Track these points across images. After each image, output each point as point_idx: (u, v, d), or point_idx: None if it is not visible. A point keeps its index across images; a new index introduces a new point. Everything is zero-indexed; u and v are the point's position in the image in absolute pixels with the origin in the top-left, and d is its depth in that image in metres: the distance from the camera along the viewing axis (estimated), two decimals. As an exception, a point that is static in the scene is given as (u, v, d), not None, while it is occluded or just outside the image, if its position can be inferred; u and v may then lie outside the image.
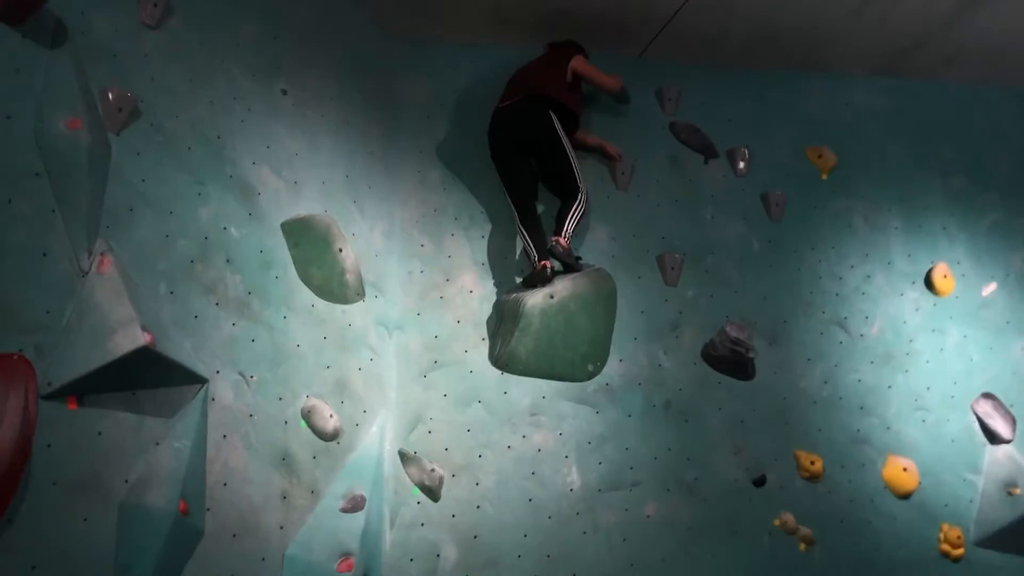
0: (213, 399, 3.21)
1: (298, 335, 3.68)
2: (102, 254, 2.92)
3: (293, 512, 3.41)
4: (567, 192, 4.56)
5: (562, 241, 4.37)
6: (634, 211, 4.85)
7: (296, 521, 3.42)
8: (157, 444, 2.96)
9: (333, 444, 3.67)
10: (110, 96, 3.12)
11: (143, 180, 3.21)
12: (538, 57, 4.84)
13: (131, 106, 3.19)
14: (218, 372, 3.27)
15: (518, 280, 4.55)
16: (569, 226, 4.44)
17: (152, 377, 2.99)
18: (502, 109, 4.60)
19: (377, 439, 3.88)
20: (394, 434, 4.03)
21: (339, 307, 3.93)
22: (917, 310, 5.04)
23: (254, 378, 3.41)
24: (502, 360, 4.33)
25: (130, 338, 2.82)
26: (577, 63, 4.74)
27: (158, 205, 3.24)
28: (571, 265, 4.46)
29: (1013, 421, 4.87)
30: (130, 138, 3.20)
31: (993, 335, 5.09)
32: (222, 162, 3.61)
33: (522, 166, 4.59)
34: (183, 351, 3.12)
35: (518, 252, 4.62)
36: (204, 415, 3.14)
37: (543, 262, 4.34)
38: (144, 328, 2.87)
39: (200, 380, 3.16)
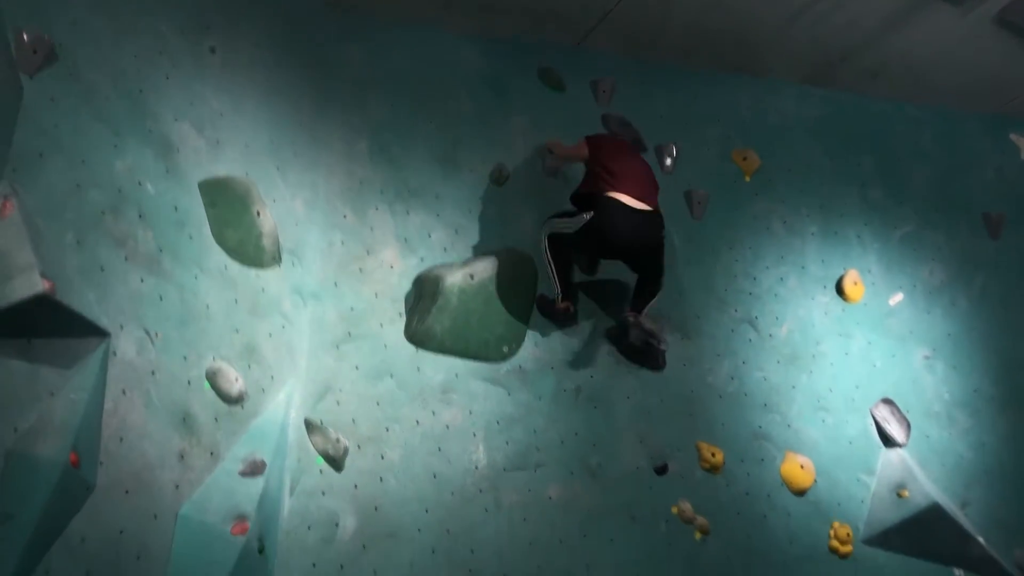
0: (115, 353, 3.15)
1: (208, 296, 3.64)
2: (5, 197, 2.84)
3: (190, 472, 3.37)
4: (655, 283, 4.65)
5: (643, 320, 4.55)
6: (561, 199, 4.89)
7: (192, 481, 3.38)
8: (52, 395, 2.90)
9: (237, 408, 3.64)
10: (25, 37, 3.04)
11: (56, 126, 3.14)
12: (631, 150, 4.84)
13: (47, 50, 3.11)
14: (122, 327, 3.22)
15: (443, 263, 4.55)
16: (647, 309, 4.60)
17: (51, 326, 2.93)
18: (637, 213, 4.47)
19: (283, 406, 3.85)
20: (301, 402, 4.00)
21: (253, 271, 3.89)
22: (826, 314, 5.21)
23: (159, 336, 3.36)
24: (417, 336, 4.35)
25: (28, 284, 2.76)
26: None
27: (71, 153, 3.17)
28: (655, 344, 4.65)
29: (908, 427, 5.07)
30: (45, 82, 3.12)
31: (896, 343, 5.30)
32: (142, 116, 3.55)
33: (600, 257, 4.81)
34: (86, 303, 3.07)
35: (443, 232, 4.63)
36: (104, 369, 3.09)
37: (567, 303, 4.57)
38: (44, 275, 2.82)
39: (102, 333, 3.11)
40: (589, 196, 4.54)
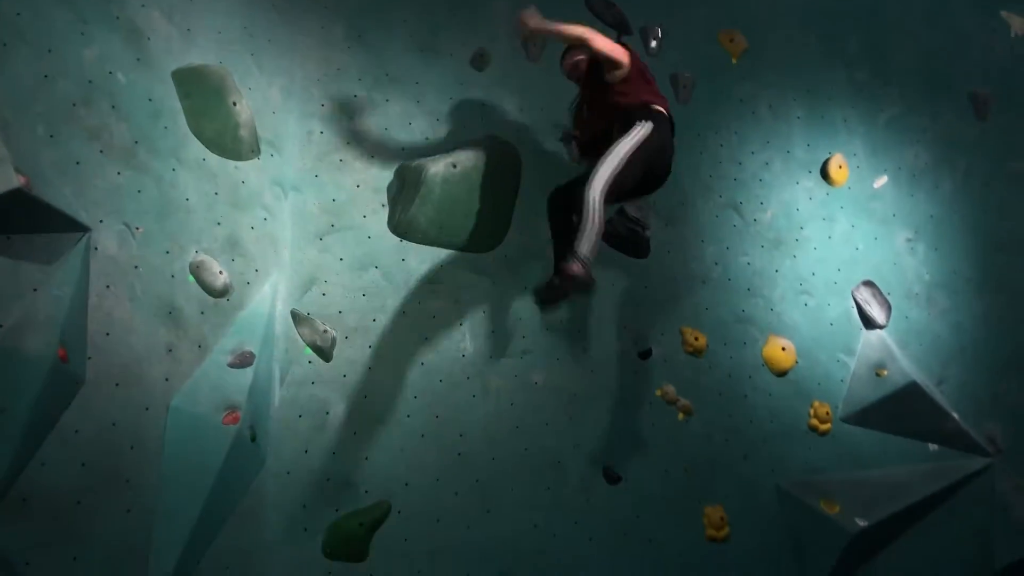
0: (96, 248, 3.15)
1: (187, 189, 3.60)
2: (-30, 90, 2.78)
3: (179, 365, 3.41)
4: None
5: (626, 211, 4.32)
6: (544, 84, 4.79)
7: (182, 374, 3.42)
8: (35, 290, 2.91)
9: (222, 300, 3.65)
10: (-22, -82, 2.91)
11: (18, 14, 3.04)
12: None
13: (2, -68, 2.98)
14: (101, 221, 3.20)
15: (422, 160, 4.47)
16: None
17: (29, 222, 2.91)
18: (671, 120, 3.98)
19: (269, 298, 3.86)
20: (287, 295, 4.01)
21: (232, 163, 3.83)
22: (811, 198, 5.20)
23: (140, 229, 3.34)
24: (401, 227, 4.32)
25: (2, 179, 2.73)
26: None
27: (36, 42, 3.09)
28: (640, 231, 4.48)
29: (889, 308, 5.14)
30: (3, -32, 3.01)
31: (879, 226, 5.32)
32: (107, 1, 3.43)
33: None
34: (63, 197, 3.04)
35: (424, 121, 4.53)
36: (86, 264, 3.09)
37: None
38: (18, 170, 2.78)
39: (82, 228, 3.10)
40: (641, 107, 3.91)
